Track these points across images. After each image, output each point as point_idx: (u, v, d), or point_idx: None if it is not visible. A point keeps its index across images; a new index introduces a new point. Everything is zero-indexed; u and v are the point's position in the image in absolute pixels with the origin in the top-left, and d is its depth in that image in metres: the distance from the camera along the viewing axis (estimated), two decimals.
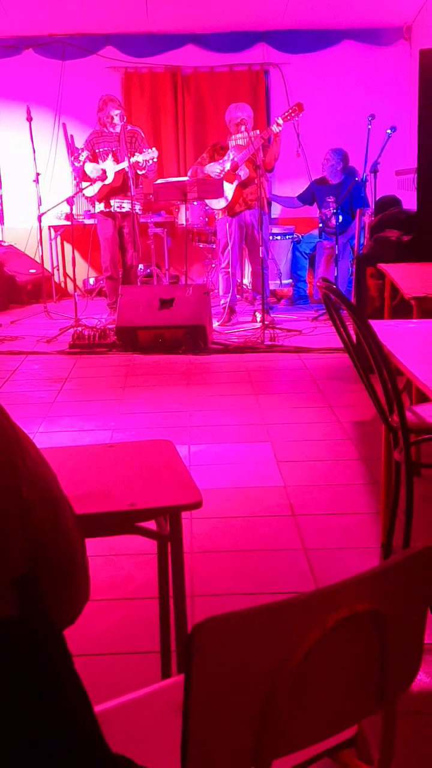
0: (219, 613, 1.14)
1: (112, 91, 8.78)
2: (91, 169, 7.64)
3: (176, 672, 2.21)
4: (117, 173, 7.57)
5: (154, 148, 7.57)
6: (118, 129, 7.53)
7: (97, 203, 7.78)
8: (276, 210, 9.26)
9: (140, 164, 7.46)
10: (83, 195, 8.03)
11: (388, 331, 3.08)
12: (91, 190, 7.72)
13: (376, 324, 2.96)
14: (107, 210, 7.72)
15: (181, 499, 1.85)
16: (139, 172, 7.58)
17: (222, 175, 7.43)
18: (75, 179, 7.90)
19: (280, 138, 7.26)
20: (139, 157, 7.43)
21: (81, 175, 7.81)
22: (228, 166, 7.44)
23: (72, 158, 8.20)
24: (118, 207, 7.63)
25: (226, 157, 7.48)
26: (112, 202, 7.66)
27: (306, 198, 8.64)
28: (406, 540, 2.84)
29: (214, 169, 7.48)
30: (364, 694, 1.33)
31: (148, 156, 7.43)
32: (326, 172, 8.39)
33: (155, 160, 7.52)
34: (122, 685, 1.68)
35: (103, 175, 7.63)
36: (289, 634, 1.20)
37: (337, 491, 3.82)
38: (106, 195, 7.68)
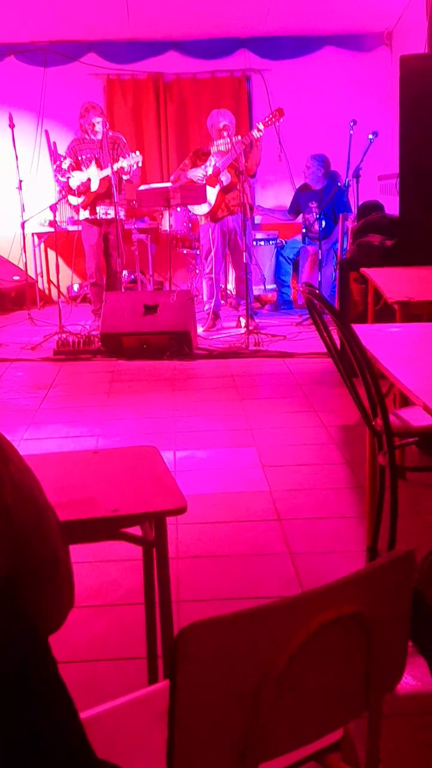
0: (203, 619, 1.14)
1: (95, 97, 8.78)
2: (76, 183, 7.64)
3: (162, 677, 2.21)
4: (102, 180, 7.57)
5: (137, 152, 7.57)
6: (99, 136, 7.54)
7: (81, 210, 7.78)
8: (260, 217, 9.28)
9: (125, 169, 7.47)
10: (69, 203, 8.02)
11: (371, 335, 3.09)
12: (77, 200, 7.72)
13: (359, 328, 2.97)
14: (92, 217, 7.72)
15: (166, 504, 1.85)
16: (124, 177, 7.58)
17: (204, 181, 7.45)
18: (60, 192, 7.88)
19: (261, 143, 7.28)
20: (123, 162, 7.43)
21: (66, 189, 7.80)
22: (210, 171, 7.45)
23: (55, 167, 8.18)
24: (103, 214, 7.63)
25: (208, 163, 7.49)
26: (97, 209, 7.65)
27: (294, 209, 8.67)
28: (391, 543, 2.86)
29: (196, 174, 7.49)
30: (349, 697, 1.34)
31: (132, 161, 7.44)
32: (308, 178, 8.42)
33: (140, 164, 7.52)
34: (108, 692, 1.67)
35: (87, 183, 7.63)
36: (274, 637, 1.20)
37: (322, 495, 3.83)
38: (91, 202, 7.68)
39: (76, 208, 7.92)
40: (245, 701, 1.21)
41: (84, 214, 7.77)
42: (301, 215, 8.60)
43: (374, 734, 1.35)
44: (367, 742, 1.36)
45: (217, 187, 7.46)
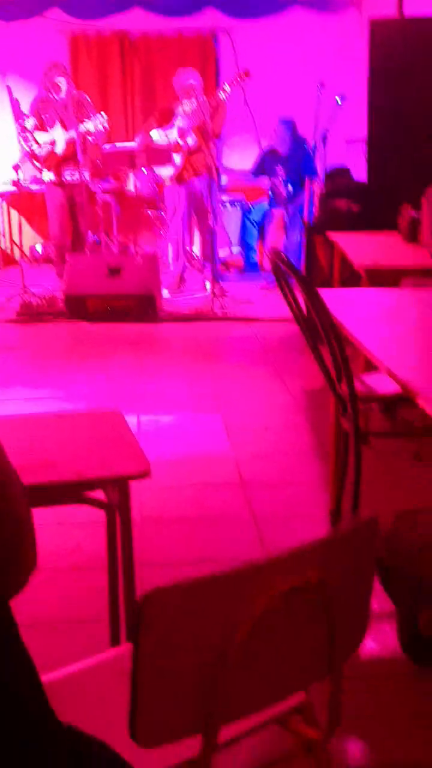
0: (167, 583, 1.14)
1: (59, 55, 8.61)
2: (41, 146, 7.50)
3: (125, 640, 2.21)
4: (67, 142, 7.44)
5: (102, 113, 7.45)
6: (63, 95, 7.40)
7: (45, 171, 7.65)
8: (225, 178, 9.20)
9: (91, 131, 7.35)
10: (33, 164, 7.87)
11: (337, 300, 3.09)
12: (39, 150, 7.57)
13: (325, 293, 2.96)
14: (57, 179, 7.60)
15: (129, 468, 1.84)
16: (89, 138, 7.46)
17: (170, 142, 7.36)
18: (26, 156, 7.74)
19: (226, 104, 7.20)
20: (89, 125, 7.31)
21: (31, 155, 7.66)
22: (176, 132, 7.36)
23: (18, 126, 8.01)
24: (69, 176, 7.51)
25: (173, 124, 7.40)
26: (64, 172, 7.53)
27: (258, 170, 8.60)
28: (354, 507, 2.88)
29: (161, 136, 7.39)
30: (311, 661, 1.35)
31: (98, 123, 7.32)
32: (275, 141, 8.36)
33: (106, 126, 7.41)
34: (70, 654, 1.67)
35: (52, 144, 7.51)
36: (237, 602, 1.20)
37: (286, 460, 3.84)
38: (56, 164, 7.56)
39: (39, 170, 7.79)
40: (208, 665, 1.21)
41: (48, 175, 7.65)
42: (266, 177, 8.55)
43: (335, 697, 1.36)
44: (328, 705, 1.37)
45: (183, 150, 7.38)
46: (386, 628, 2.43)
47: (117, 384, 5.03)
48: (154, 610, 1.14)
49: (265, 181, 8.34)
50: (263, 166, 8.49)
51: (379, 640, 2.43)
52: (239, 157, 8.87)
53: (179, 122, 7.37)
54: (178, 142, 7.35)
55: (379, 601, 2.37)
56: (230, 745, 1.38)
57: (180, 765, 1.32)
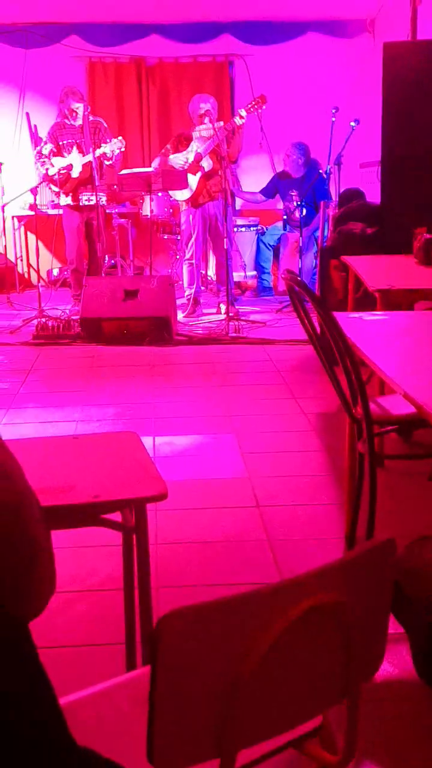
0: (184, 605, 1.14)
1: (76, 80, 8.71)
2: (56, 169, 7.58)
3: (141, 663, 2.21)
4: (84, 166, 7.52)
5: (120, 137, 7.53)
6: (80, 122, 7.48)
7: (63, 196, 7.73)
8: (240, 201, 9.26)
9: (107, 155, 7.43)
10: (50, 188, 7.95)
11: (351, 322, 3.10)
12: (53, 170, 7.65)
13: (339, 316, 2.97)
14: (75, 203, 7.67)
15: (146, 490, 1.85)
16: (107, 163, 7.54)
17: (186, 167, 7.41)
18: (41, 180, 7.82)
19: (243, 130, 7.25)
20: (106, 148, 7.39)
21: (46, 179, 7.74)
22: (192, 157, 7.42)
23: (36, 152, 8.10)
24: (86, 200, 7.58)
25: (189, 149, 7.46)
26: (80, 195, 7.61)
27: (269, 192, 8.64)
28: (370, 531, 2.87)
29: (178, 160, 7.45)
30: (328, 685, 1.34)
31: (115, 146, 7.40)
32: (288, 166, 8.41)
33: (122, 149, 7.49)
34: (88, 677, 1.67)
35: (69, 169, 7.59)
36: (253, 625, 1.20)
37: (301, 482, 3.84)
38: (74, 188, 7.63)
39: (57, 194, 7.87)
40: (225, 688, 1.21)
41: (66, 200, 7.72)
42: (277, 198, 8.59)
43: (353, 721, 1.36)
44: (345, 729, 1.36)
45: (199, 174, 7.43)
46: (402, 650, 2.42)
47: (132, 406, 5.05)
48: (171, 633, 1.15)
49: (277, 202, 8.37)
50: (275, 188, 8.54)
51: (395, 663, 2.42)
52: (255, 181, 8.92)
53: (195, 146, 7.42)
54: (194, 166, 7.40)
55: (395, 623, 2.36)
56: None
57: None
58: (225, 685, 1.21)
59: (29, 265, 9.53)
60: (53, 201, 8.61)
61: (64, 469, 1.99)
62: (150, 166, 8.05)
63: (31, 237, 9.19)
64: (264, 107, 7.14)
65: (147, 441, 4.27)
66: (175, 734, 1.21)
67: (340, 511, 3.48)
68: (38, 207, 7.96)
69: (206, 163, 7.40)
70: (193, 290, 7.64)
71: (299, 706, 1.34)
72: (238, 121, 7.15)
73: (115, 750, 1.26)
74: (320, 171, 8.00)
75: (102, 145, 7.43)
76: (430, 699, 2.29)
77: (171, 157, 7.50)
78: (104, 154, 7.40)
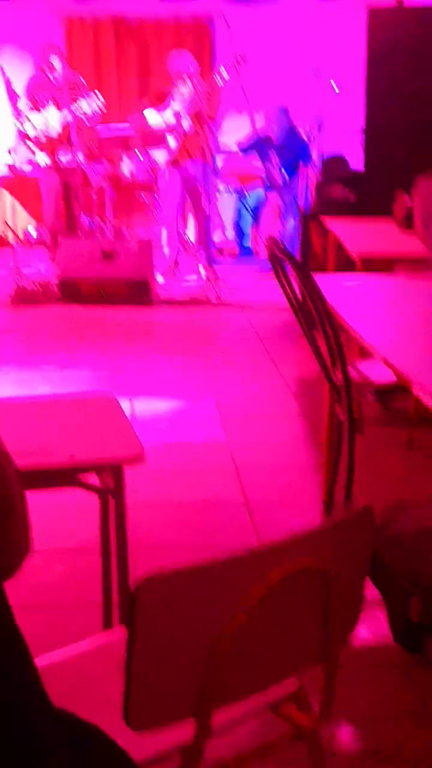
0: (162, 569, 1.14)
1: (53, 36, 8.54)
2: (35, 127, 7.45)
3: (117, 623, 2.21)
4: (62, 125, 7.39)
5: (97, 92, 7.38)
6: (57, 75, 7.34)
7: (40, 153, 7.59)
8: (221, 163, 9.16)
9: (87, 112, 7.29)
10: (27, 146, 7.82)
11: (332, 287, 3.08)
12: (32, 131, 7.52)
13: (320, 279, 2.95)
14: (53, 163, 7.55)
15: (124, 453, 1.83)
16: (84, 120, 7.40)
17: (165, 125, 7.32)
18: (20, 138, 7.67)
19: (222, 89, 7.17)
20: (84, 105, 7.25)
21: (24, 137, 7.60)
22: (170, 116, 7.32)
23: (12, 107, 7.93)
24: (64, 159, 7.47)
25: (168, 106, 7.35)
26: (58, 154, 7.48)
27: (246, 147, 8.54)
28: (347, 495, 2.87)
29: (156, 118, 7.34)
30: (305, 646, 1.35)
31: (93, 103, 7.26)
32: (269, 129, 8.33)
33: (101, 105, 7.35)
34: (64, 637, 1.67)
35: (46, 124, 7.45)
36: (232, 590, 1.20)
37: (280, 447, 3.84)
38: (51, 147, 7.50)
39: (33, 152, 7.72)
40: (202, 651, 1.21)
41: (43, 158, 7.60)
42: (258, 159, 8.51)
43: (330, 683, 1.36)
44: (321, 692, 1.37)
45: (178, 133, 7.34)
46: (378, 615, 2.44)
47: (110, 368, 5.02)
48: (148, 598, 1.14)
49: (254, 159, 8.28)
50: (254, 148, 8.45)
51: (371, 628, 2.43)
52: (233, 139, 8.81)
53: (174, 105, 7.33)
54: (173, 125, 7.31)
55: (372, 588, 2.37)
56: (223, 732, 1.38)
57: (173, 750, 1.32)
58: (203, 647, 1.20)
59: (5, 224, 9.39)
60: (30, 159, 8.46)
61: (41, 430, 1.97)
62: (127, 122, 7.93)
63: (7, 196, 9.04)
64: (244, 66, 7.05)
65: (125, 404, 4.24)
66: (151, 695, 1.21)
67: (318, 476, 3.48)
68: (15, 166, 7.84)
69: (185, 122, 7.31)
70: (172, 252, 7.58)
71: (276, 667, 1.35)
72: (217, 80, 7.05)
73: (92, 711, 1.25)
74: (301, 133, 7.93)
75: (79, 100, 7.29)
76: (405, 663, 2.31)
77: (147, 113, 7.37)
78: (83, 110, 7.27)
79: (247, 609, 1.19)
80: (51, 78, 7.41)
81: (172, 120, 7.32)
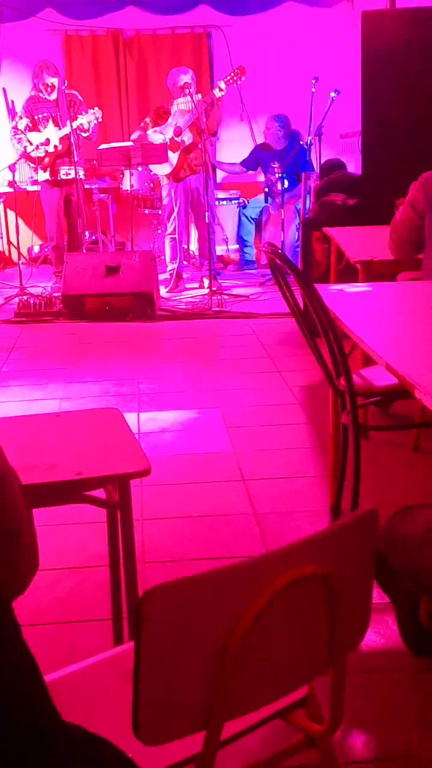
0: (168, 580, 1.14)
1: (53, 54, 8.60)
2: (34, 144, 7.50)
3: (128, 639, 2.22)
4: (62, 139, 7.44)
5: (96, 108, 7.44)
6: (55, 95, 7.40)
7: (41, 171, 7.64)
8: (221, 174, 9.20)
9: (84, 126, 7.34)
10: (28, 164, 7.86)
11: (333, 295, 3.09)
12: (31, 148, 7.56)
13: (321, 288, 2.97)
14: (53, 178, 7.60)
15: (130, 467, 1.84)
16: (83, 135, 7.45)
17: (166, 141, 7.35)
18: (19, 157, 7.72)
19: (222, 102, 7.20)
20: (83, 119, 7.30)
21: (24, 155, 7.65)
22: (171, 132, 7.36)
23: (11, 127, 7.99)
24: (65, 174, 7.52)
25: (168, 122, 7.39)
26: (59, 169, 7.53)
27: (250, 163, 8.59)
28: (354, 502, 2.88)
29: (157, 138, 7.39)
30: (313, 655, 1.35)
31: (91, 117, 7.31)
32: (268, 139, 8.36)
33: (99, 119, 7.40)
34: (74, 654, 1.68)
35: (46, 143, 7.50)
36: (238, 598, 1.20)
37: (285, 455, 3.85)
38: (51, 163, 7.55)
39: (35, 169, 7.78)
40: (210, 661, 1.21)
41: (44, 175, 7.64)
42: (258, 171, 8.55)
43: (338, 691, 1.37)
44: (331, 699, 1.37)
45: (179, 149, 7.37)
46: (388, 620, 2.44)
47: (115, 382, 5.04)
48: (155, 607, 1.15)
49: (258, 175, 8.32)
50: (257, 160, 8.49)
51: (381, 633, 2.43)
52: (235, 153, 8.86)
53: (175, 120, 7.36)
54: (174, 140, 7.34)
55: (380, 593, 2.38)
56: (233, 741, 1.38)
57: (183, 761, 1.33)
58: (210, 658, 1.21)
59: (9, 243, 9.45)
60: (32, 177, 8.53)
61: (47, 446, 1.98)
62: (129, 140, 7.98)
63: (11, 214, 9.10)
64: (243, 79, 7.09)
65: (131, 417, 4.27)
66: (161, 708, 1.21)
67: (324, 483, 3.49)
68: (17, 183, 7.88)
69: (186, 137, 7.34)
70: (175, 265, 7.60)
71: (285, 677, 1.35)
72: (217, 93, 7.09)
73: (102, 725, 1.26)
74: (301, 142, 7.96)
75: (78, 116, 7.35)
76: (416, 668, 2.31)
77: (149, 132, 7.44)
78: (81, 125, 7.32)
79: (252, 616, 1.20)
80: (48, 97, 7.46)
81: (173, 135, 7.35)
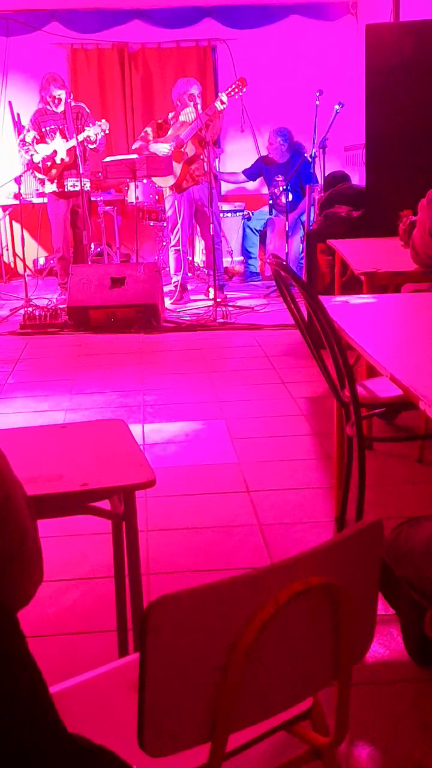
0: (173, 592, 1.15)
1: (59, 67, 8.65)
2: (41, 157, 7.54)
3: (133, 650, 2.22)
4: (69, 151, 7.48)
5: (103, 120, 7.49)
6: (62, 108, 7.45)
7: (48, 183, 7.68)
8: (225, 187, 9.23)
9: (91, 138, 7.39)
10: (34, 176, 7.90)
11: (338, 306, 3.09)
12: (38, 157, 7.60)
13: (326, 300, 2.97)
14: (60, 190, 7.63)
15: (135, 478, 1.85)
16: (90, 147, 7.49)
17: (169, 153, 7.38)
18: (26, 167, 7.76)
19: (223, 114, 7.24)
20: (90, 131, 7.35)
21: (31, 166, 7.69)
22: (172, 145, 7.39)
23: (19, 139, 8.04)
24: (72, 186, 7.55)
25: (170, 133, 7.42)
26: (65, 181, 7.57)
27: (252, 173, 8.62)
28: (359, 513, 2.88)
29: (160, 149, 7.42)
30: (318, 667, 1.35)
31: (98, 129, 7.36)
32: (272, 152, 8.39)
33: (106, 131, 7.44)
34: (79, 665, 1.68)
35: (53, 156, 7.54)
36: (243, 609, 1.20)
37: (290, 467, 3.85)
38: (59, 174, 7.59)
39: (42, 181, 7.83)
40: (215, 673, 1.21)
41: (51, 187, 7.68)
42: (263, 183, 8.58)
43: (344, 703, 1.37)
44: (336, 711, 1.37)
45: (182, 160, 7.40)
46: (393, 631, 2.43)
47: (121, 394, 5.05)
48: (160, 619, 1.15)
49: (263, 187, 8.34)
50: (260, 171, 8.52)
51: (386, 645, 2.43)
52: (238, 165, 8.89)
53: (176, 131, 7.39)
54: (177, 152, 7.37)
55: (385, 604, 2.37)
56: (238, 753, 1.38)
57: None
58: (215, 670, 1.21)
59: (15, 255, 9.49)
60: (38, 189, 8.57)
61: (52, 458, 1.99)
62: (131, 153, 8.01)
63: (17, 226, 9.14)
64: (244, 90, 7.12)
65: (137, 428, 4.27)
66: (166, 720, 1.21)
67: (329, 494, 3.49)
68: (23, 196, 7.92)
69: (189, 149, 7.38)
70: (180, 277, 7.62)
71: (290, 689, 1.35)
72: (218, 106, 7.13)
73: (107, 737, 1.26)
74: (305, 155, 7.99)
75: (85, 128, 7.40)
76: (421, 679, 2.30)
77: (152, 145, 7.47)
78: (88, 137, 7.37)
79: (257, 628, 1.20)
80: (55, 110, 7.51)
81: (176, 146, 7.38)
